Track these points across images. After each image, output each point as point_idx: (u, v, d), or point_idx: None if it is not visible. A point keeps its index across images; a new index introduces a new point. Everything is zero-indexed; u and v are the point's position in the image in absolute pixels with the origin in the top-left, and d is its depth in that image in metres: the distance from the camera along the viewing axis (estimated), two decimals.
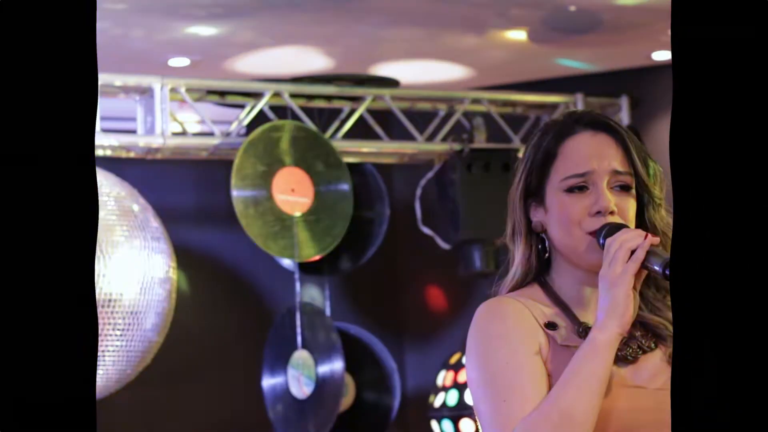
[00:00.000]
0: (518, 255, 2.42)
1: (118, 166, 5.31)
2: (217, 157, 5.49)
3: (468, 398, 5.36)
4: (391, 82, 5.90)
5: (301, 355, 5.55)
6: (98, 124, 4.92)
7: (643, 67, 5.96)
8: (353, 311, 6.44)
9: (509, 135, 5.88)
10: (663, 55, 5.78)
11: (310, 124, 5.57)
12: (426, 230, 5.84)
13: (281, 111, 5.60)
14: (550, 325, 2.33)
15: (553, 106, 5.91)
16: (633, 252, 2.25)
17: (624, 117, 5.95)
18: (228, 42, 5.44)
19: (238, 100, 5.56)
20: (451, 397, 5.64)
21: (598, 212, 2.33)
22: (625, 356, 2.32)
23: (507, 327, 2.32)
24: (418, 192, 5.85)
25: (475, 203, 5.60)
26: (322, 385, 5.50)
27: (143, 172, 5.51)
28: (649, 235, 2.27)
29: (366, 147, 5.74)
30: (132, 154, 5.35)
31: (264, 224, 5.37)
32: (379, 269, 6.29)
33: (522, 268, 2.42)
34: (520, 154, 2.51)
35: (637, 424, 2.28)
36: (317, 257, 5.50)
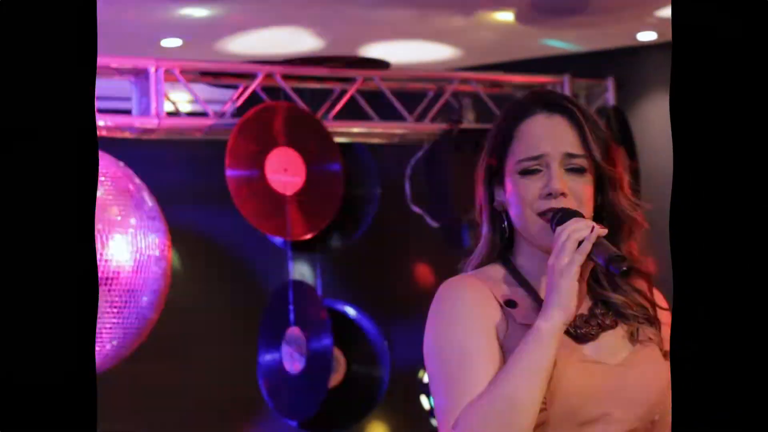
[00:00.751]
0: (483, 233, 2.45)
1: (113, 146, 5.33)
2: (211, 137, 5.49)
3: None
4: (381, 64, 5.94)
5: (293, 332, 5.60)
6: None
7: (628, 47, 5.99)
8: (344, 289, 6.46)
9: (497, 115, 5.89)
10: (648, 36, 5.82)
11: (302, 105, 5.62)
12: (415, 209, 5.86)
13: (273, 92, 5.63)
14: (510, 303, 2.35)
15: (541, 88, 5.95)
16: (581, 243, 2.25)
17: (610, 98, 6.01)
18: (220, 23, 5.43)
19: (232, 81, 5.60)
20: None
21: (549, 194, 2.34)
22: (585, 334, 2.34)
23: (464, 306, 2.33)
24: (408, 171, 5.88)
25: (463, 182, 5.59)
26: (312, 360, 5.55)
27: (138, 152, 5.53)
28: (597, 227, 2.26)
29: (357, 127, 5.76)
30: (127, 135, 5.38)
31: (257, 203, 5.41)
32: (370, 247, 6.30)
33: (486, 246, 2.44)
34: None
35: (594, 398, 2.29)
36: (309, 236, 5.53)
